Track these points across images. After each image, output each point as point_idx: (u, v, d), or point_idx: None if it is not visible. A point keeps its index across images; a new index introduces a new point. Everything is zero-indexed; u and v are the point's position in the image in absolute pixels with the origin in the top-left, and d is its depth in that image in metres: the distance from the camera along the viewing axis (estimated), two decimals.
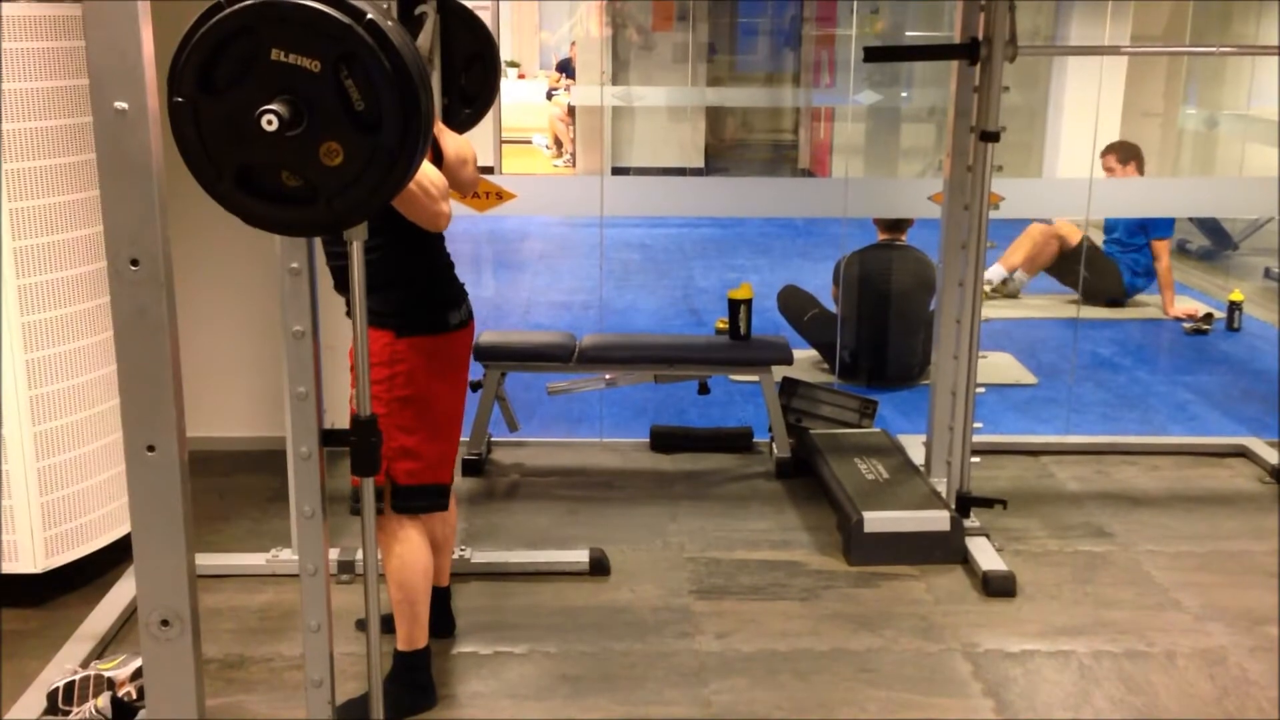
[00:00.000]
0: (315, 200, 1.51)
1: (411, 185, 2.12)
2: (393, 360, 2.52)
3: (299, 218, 1.54)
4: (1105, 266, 6.37)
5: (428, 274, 2.59)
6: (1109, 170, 6.21)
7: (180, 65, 1.47)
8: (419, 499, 2.61)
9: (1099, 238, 6.65)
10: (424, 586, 2.61)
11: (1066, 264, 6.36)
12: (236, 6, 1.45)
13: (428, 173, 2.31)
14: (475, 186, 2.70)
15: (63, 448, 3.01)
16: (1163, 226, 6.29)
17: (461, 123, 2.88)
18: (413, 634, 2.63)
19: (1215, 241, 7.56)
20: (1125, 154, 6.29)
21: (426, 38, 2.73)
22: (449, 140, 2.56)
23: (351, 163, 1.48)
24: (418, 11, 2.83)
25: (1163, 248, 6.30)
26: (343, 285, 2.56)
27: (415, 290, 2.56)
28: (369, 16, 1.45)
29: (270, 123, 1.42)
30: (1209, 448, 4.35)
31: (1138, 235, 6.35)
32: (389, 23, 1.48)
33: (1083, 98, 7.58)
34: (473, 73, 2.95)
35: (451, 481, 2.72)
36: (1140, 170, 6.33)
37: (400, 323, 2.53)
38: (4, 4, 2.78)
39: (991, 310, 5.79)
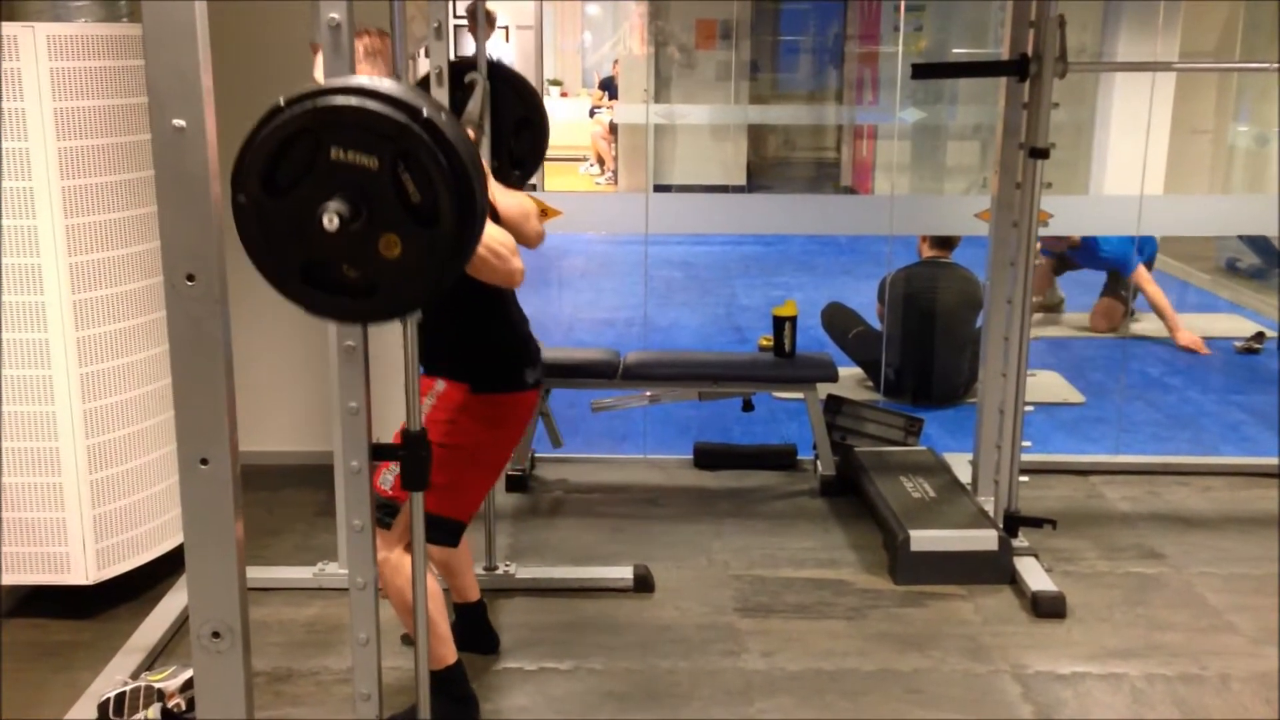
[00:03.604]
0: (375, 291, 1.55)
1: (481, 249, 2.13)
2: (461, 409, 2.57)
3: (360, 308, 1.58)
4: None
5: (505, 334, 2.63)
6: None
7: (243, 166, 1.50)
8: (434, 530, 2.60)
9: None
10: (434, 608, 2.61)
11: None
12: (296, 109, 1.47)
13: (494, 234, 2.31)
14: (542, 239, 2.74)
15: (116, 461, 3.05)
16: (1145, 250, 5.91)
17: (510, 185, 2.91)
18: (438, 652, 2.64)
19: (1265, 259, 7.45)
20: None
21: (476, 104, 2.77)
22: (504, 200, 2.59)
23: (409, 255, 1.52)
24: (468, 79, 2.87)
25: (1141, 277, 5.83)
26: (424, 355, 2.58)
27: (494, 350, 2.61)
28: (425, 114, 1.47)
29: (331, 221, 1.45)
30: (1263, 468, 4.27)
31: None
32: (443, 116, 1.51)
33: (1131, 114, 7.51)
34: (521, 137, 3.01)
35: (469, 522, 2.72)
36: None
37: (478, 380, 2.59)
38: (59, 23, 2.84)
39: (1039, 329, 5.73)
